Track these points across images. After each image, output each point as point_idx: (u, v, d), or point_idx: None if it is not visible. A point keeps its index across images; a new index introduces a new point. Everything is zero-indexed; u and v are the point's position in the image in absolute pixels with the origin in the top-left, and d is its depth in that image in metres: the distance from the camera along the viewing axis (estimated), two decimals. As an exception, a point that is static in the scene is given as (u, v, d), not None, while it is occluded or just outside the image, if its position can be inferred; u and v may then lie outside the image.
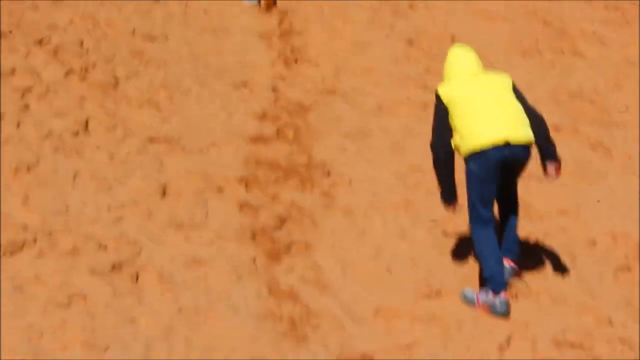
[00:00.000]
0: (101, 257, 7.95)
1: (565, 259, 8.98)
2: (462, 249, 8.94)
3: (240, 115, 11.13)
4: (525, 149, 7.98)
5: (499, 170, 7.92)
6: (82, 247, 8.03)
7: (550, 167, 8.21)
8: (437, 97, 8.17)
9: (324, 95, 11.95)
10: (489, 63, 13.05)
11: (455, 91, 8.08)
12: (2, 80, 10.67)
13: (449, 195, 8.33)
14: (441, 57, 13.25)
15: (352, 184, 9.94)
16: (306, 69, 12.62)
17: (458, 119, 7.97)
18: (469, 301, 8.12)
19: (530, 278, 8.57)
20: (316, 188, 9.75)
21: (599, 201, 10.17)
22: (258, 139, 10.62)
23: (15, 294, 7.26)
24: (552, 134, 8.49)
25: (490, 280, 8.00)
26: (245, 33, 13.39)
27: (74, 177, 9.19)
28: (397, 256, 8.74)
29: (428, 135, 8.52)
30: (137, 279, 7.77)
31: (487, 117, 7.87)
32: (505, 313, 7.93)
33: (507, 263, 8.19)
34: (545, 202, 10.01)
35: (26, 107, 10.34)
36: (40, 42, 11.82)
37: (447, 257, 8.84)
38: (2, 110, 10.05)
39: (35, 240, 8.01)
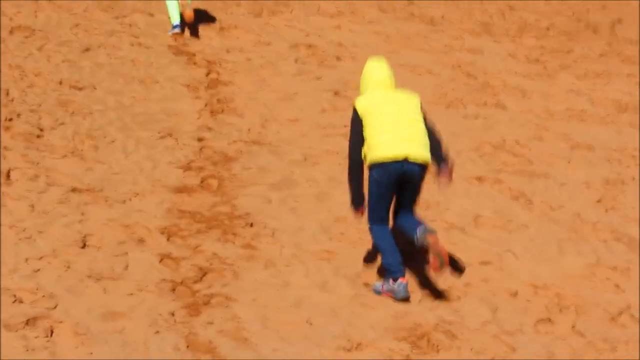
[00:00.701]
0: (16, 310, 7.58)
1: (486, 310, 8.73)
2: (383, 302, 8.67)
3: (164, 165, 10.85)
4: (421, 167, 8.51)
5: (396, 181, 8.52)
6: (-3, 300, 7.66)
7: (443, 170, 8.76)
8: (354, 110, 8.63)
9: (250, 145, 11.70)
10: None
11: (368, 104, 8.57)
12: None
13: (357, 201, 8.81)
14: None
15: (275, 235, 9.66)
16: (232, 119, 12.37)
17: (368, 130, 8.48)
18: (377, 292, 8.76)
19: (452, 329, 8.31)
20: (239, 239, 9.45)
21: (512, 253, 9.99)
22: (182, 189, 10.34)
23: None
24: (475, 185, 10.10)
25: (389, 270, 8.67)
26: (172, 83, 13.17)
27: (-7, 227, 8.82)
28: (318, 308, 8.44)
29: None
30: (51, 333, 7.40)
31: (393, 132, 8.40)
32: (405, 295, 8.61)
33: (420, 226, 8.60)
34: (467, 253, 9.80)
35: (-53, 156, 9.98)
36: (-34, 91, 11.50)
37: (369, 310, 8.54)
38: None
39: (-53, 294, 7.62)
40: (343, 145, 11.71)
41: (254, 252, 9.27)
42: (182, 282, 8.50)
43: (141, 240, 9.11)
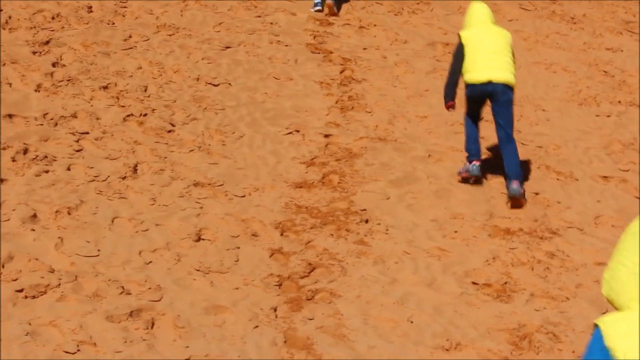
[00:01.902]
0: (121, 302, 7.50)
1: (595, 312, 8.24)
2: (489, 302, 8.28)
3: (288, 160, 10.65)
4: (503, 86, 10.25)
5: (482, 98, 10.54)
6: (105, 291, 7.59)
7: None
8: (459, 38, 10.54)
9: (375, 141, 11.40)
10: (544, 112, 12.46)
11: (469, 36, 10.43)
12: (60, 123, 10.38)
13: (449, 96, 10.63)
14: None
15: (388, 231, 9.36)
16: (361, 115, 12.09)
17: (467, 56, 10.38)
18: (458, 174, 10.73)
19: (556, 331, 7.86)
20: (352, 235, 9.19)
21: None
22: (302, 185, 10.13)
23: (27, 339, 6.83)
24: (600, 183, 11.01)
25: (469, 153, 10.59)
26: (306, 80, 12.96)
27: (113, 220, 8.77)
28: (421, 306, 8.12)
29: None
30: (152, 325, 7.28)
31: (483, 61, 10.27)
32: (477, 173, 10.51)
33: (514, 184, 10.14)
34: (583, 253, 9.32)
35: (80, 150, 9.99)
36: (105, 87, 11.53)
37: (473, 309, 8.16)
38: (55, 153, 9.73)
39: (59, 284, 7.58)
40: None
41: (365, 248, 8.99)
42: (289, 277, 8.30)
43: (255, 235, 8.93)
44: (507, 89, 10.29)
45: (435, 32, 15.51)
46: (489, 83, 10.24)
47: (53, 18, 13.24)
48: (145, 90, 11.75)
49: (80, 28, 13.16)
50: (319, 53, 13.88)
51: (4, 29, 12.53)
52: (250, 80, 12.66)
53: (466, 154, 10.65)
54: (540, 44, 15.67)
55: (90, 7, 13.91)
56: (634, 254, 3.56)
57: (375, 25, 15.43)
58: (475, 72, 10.32)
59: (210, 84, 12.33)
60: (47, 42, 12.41)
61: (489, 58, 10.30)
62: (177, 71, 12.47)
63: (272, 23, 14.83)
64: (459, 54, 10.52)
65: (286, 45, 14.08)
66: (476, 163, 10.45)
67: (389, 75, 13.59)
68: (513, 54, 10.62)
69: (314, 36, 14.66)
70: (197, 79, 12.39)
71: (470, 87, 10.43)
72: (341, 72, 13.44)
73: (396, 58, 14.25)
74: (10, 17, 12.88)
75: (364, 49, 14.46)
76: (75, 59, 12.09)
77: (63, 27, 13.04)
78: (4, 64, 11.47)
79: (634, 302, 3.55)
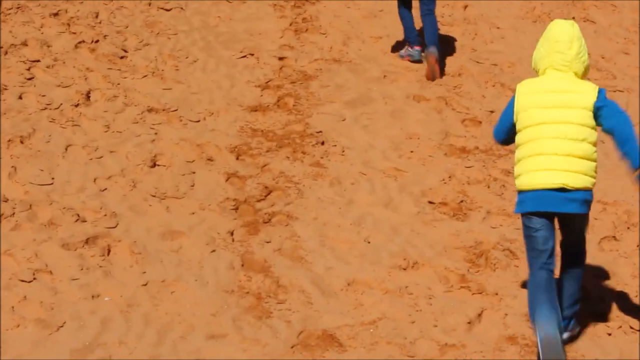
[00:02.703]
0: (77, 229, 7.44)
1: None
2: (445, 221, 8.28)
3: (243, 84, 10.54)
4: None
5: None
6: (60, 219, 7.53)
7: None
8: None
9: (330, 63, 11.29)
10: (498, 30, 12.37)
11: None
12: (10, 51, 10.19)
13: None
14: (454, 24, 12.65)
15: (344, 153, 9.31)
16: (315, 37, 11.95)
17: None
18: (401, 57, 11.50)
19: (512, 248, 7.88)
20: (308, 157, 9.13)
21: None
22: (257, 108, 10.03)
23: (-18, 269, 6.74)
24: None
25: (409, 41, 11.38)
26: (259, 2, 12.75)
27: (66, 148, 8.66)
28: (378, 226, 8.10)
29: (431, 103, 10.38)
30: (108, 252, 7.22)
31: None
32: (418, 57, 11.35)
33: (431, 47, 11.13)
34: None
35: (31, 78, 9.82)
36: (56, 14, 11.31)
37: (430, 228, 8.16)
38: (6, 82, 9.55)
39: (13, 214, 7.49)
40: (423, 63, 11.31)
41: (322, 170, 8.94)
42: (245, 201, 8.25)
43: (210, 159, 8.85)
44: None
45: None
46: None
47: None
48: (97, 17, 11.53)
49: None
50: None
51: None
52: (203, 4, 12.45)
53: (407, 41, 11.49)
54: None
55: None
56: (542, 44, 6.57)
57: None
58: None
59: (162, 8, 12.12)
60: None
61: None
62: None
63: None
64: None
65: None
66: (417, 48, 11.40)
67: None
68: None
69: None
70: (149, 4, 12.16)
71: None
72: (294, -5, 13.25)
73: (350, -22, 14.07)
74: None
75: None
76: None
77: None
78: None
79: (542, 71, 6.56)
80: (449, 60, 11.69)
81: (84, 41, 10.80)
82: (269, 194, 8.42)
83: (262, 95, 10.33)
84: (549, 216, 6.37)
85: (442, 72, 11.24)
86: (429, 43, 11.14)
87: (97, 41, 10.87)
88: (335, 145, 9.42)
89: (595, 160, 6.41)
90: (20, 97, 9.42)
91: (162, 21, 11.75)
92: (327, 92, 10.59)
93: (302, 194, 8.48)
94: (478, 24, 12.87)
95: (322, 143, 9.44)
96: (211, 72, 10.70)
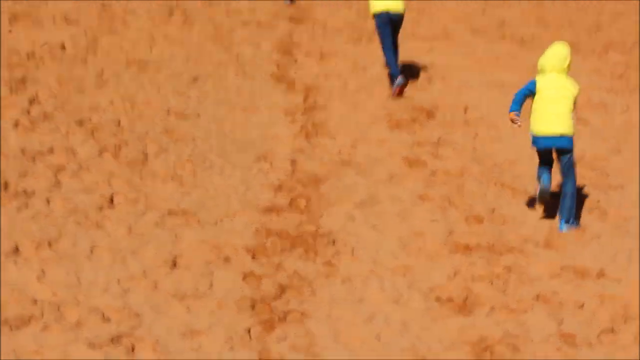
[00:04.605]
0: (103, 329, 7.48)
1: (552, 322, 8.30)
2: (453, 316, 8.33)
3: (257, 187, 10.69)
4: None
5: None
6: (86, 319, 7.58)
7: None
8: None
9: (339, 165, 11.46)
10: (498, 131, 12.55)
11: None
12: (38, 158, 10.38)
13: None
14: (455, 126, 12.86)
15: (355, 252, 9.40)
16: (325, 141, 12.16)
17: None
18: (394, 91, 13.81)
19: (516, 342, 7.91)
20: (320, 256, 9.22)
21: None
22: (271, 210, 10.15)
23: (12, 369, 6.80)
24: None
25: (393, 73, 13.73)
26: (272, 109, 13.03)
27: (91, 250, 8.76)
28: (389, 322, 8.15)
29: (436, 202, 10.50)
30: (132, 350, 7.27)
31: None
32: (403, 82, 13.81)
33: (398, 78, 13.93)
34: (539, 266, 9.39)
35: (58, 184, 9.98)
36: (80, 122, 11.54)
37: (438, 323, 8.21)
38: (34, 188, 9.72)
39: (42, 314, 7.57)
40: (430, 162, 11.49)
41: (333, 269, 9.02)
42: (261, 299, 8.30)
43: (227, 260, 8.94)
44: (402, 16, 13.86)
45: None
46: (388, 12, 13.70)
47: (28, 57, 13.23)
48: (119, 124, 11.76)
49: (55, 66, 13.16)
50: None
51: (-19, 69, 12.52)
52: (219, 111, 12.71)
53: (391, 75, 13.93)
54: (492, 66, 15.80)
55: (63, 45, 13.91)
56: (547, 55, 10.30)
57: (336, 54, 15.52)
58: (377, 4, 13.67)
59: (180, 116, 12.35)
60: (23, 81, 12.40)
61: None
62: (148, 105, 12.49)
63: (237, 55, 14.89)
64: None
65: (252, 77, 14.16)
66: (401, 76, 13.82)
67: (350, 102, 13.68)
68: None
69: (278, 66, 14.73)
70: (168, 112, 12.42)
71: (377, 16, 13.81)
72: (305, 100, 13.52)
73: (356, 85, 14.34)
74: (-14, 58, 12.88)
75: (326, 77, 14.54)
76: (50, 96, 12.10)
77: (38, 66, 13.04)
78: (-18, 103, 11.46)
79: (547, 70, 10.18)
80: (452, 161, 11.87)
81: (107, 148, 10.97)
82: (283, 292, 8.48)
83: (275, 197, 10.47)
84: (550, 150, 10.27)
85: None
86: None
87: (119, 147, 11.05)
88: (345, 245, 9.52)
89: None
90: (47, 202, 9.56)
91: (180, 128, 11.96)
92: (337, 193, 10.73)
93: (315, 292, 8.54)
94: (479, 125, 13.07)
95: (333, 242, 9.54)
96: (227, 176, 10.86)
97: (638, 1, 19.39)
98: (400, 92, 13.97)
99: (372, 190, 10.88)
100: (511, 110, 10.29)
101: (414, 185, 11.11)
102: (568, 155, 10.22)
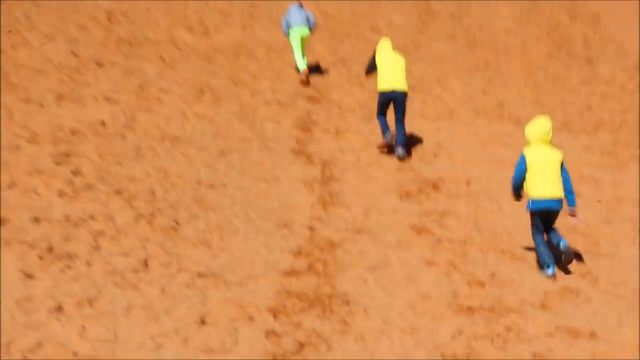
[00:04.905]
0: (137, 382, 7.50)
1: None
2: (455, 371, 8.34)
3: (278, 251, 10.73)
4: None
5: (390, 101, 13.63)
6: (123, 373, 7.60)
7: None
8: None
9: (353, 232, 11.51)
10: (498, 203, 12.59)
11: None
12: (80, 224, 10.46)
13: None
14: (458, 197, 12.91)
15: (367, 312, 9.41)
16: (340, 210, 12.22)
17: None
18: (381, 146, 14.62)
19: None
20: (335, 316, 9.23)
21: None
22: (291, 273, 10.19)
23: (55, 417, 6.81)
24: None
25: (384, 135, 14.45)
26: (292, 181, 13.11)
27: (128, 309, 8.80)
28: (398, 378, 8.15)
29: (441, 267, 10.51)
30: (164, 401, 7.29)
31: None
32: (391, 142, 14.57)
33: (399, 148, 14.51)
34: (535, 325, 9.38)
35: (98, 248, 10.06)
36: (119, 191, 11.64)
37: (443, 378, 8.21)
38: (76, 251, 9.80)
39: (82, 368, 7.60)
40: (436, 230, 11.53)
41: (348, 327, 9.03)
42: (282, 355, 8.31)
43: (251, 318, 8.96)
44: (405, 94, 14.41)
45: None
46: (393, 91, 14.27)
47: (72, 133, 13.38)
48: (153, 194, 11.85)
49: (96, 140, 13.30)
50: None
51: (30, 143, 12.65)
52: (244, 182, 12.80)
53: (383, 135, 14.52)
54: (491, 143, 15.88)
55: (104, 122, 14.07)
56: (532, 127, 10.85)
57: (349, 131, 15.64)
58: (384, 83, 14.26)
59: (209, 186, 12.45)
60: (68, 154, 12.54)
61: (390, 71, 14.16)
62: (180, 176, 12.60)
63: (261, 132, 15.02)
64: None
65: (273, 151, 14.26)
66: (389, 135, 14.50)
67: (362, 174, 13.76)
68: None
69: (297, 141, 14.85)
70: (198, 182, 12.51)
71: (382, 94, 14.30)
72: (322, 173, 13.60)
73: (368, 159, 14.43)
74: (36, 133, 13.02)
75: (341, 151, 14.65)
76: (92, 168, 12.21)
77: (81, 141, 13.18)
78: (31, 174, 11.57)
79: (534, 142, 10.75)
80: (456, 229, 11.91)
81: (142, 215, 11.06)
82: (302, 348, 8.49)
83: (295, 261, 10.51)
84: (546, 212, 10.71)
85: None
86: (398, 143, 14.52)
87: (154, 215, 11.13)
88: (358, 305, 9.53)
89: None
90: (88, 264, 9.62)
91: (209, 197, 12.05)
92: (351, 258, 10.77)
93: (331, 348, 8.55)
94: (480, 197, 13.12)
95: (348, 303, 9.56)
96: (251, 241, 10.91)
97: (625, 84, 19.53)
98: (385, 146, 14.78)
99: (383, 255, 10.92)
100: (515, 195, 11.10)
101: (421, 251, 11.14)
102: (555, 217, 10.84)
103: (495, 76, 19.24)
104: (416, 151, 14.97)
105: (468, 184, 13.62)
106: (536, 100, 18.18)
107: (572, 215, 10.91)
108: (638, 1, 25.95)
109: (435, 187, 13.61)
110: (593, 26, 23.77)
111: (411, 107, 16.95)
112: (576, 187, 13.70)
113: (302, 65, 17.76)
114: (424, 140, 15.54)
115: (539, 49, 21.39)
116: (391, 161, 14.37)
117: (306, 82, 17.43)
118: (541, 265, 10.74)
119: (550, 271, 10.63)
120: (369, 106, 16.87)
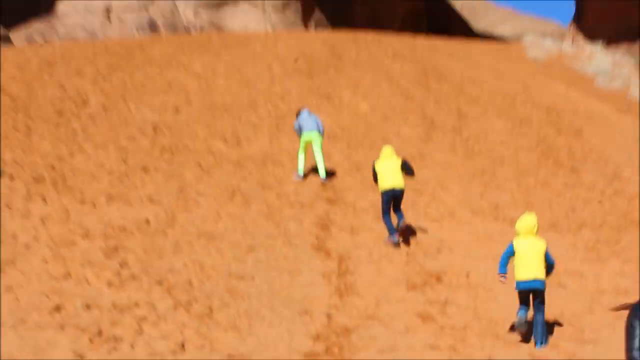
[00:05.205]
0: None
1: None
2: None
3: (299, 336, 10.78)
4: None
5: (391, 198, 14.31)
6: None
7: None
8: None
9: (365, 320, 11.54)
10: (493, 292, 12.59)
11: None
12: (125, 311, 10.55)
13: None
14: (459, 289, 12.93)
15: (378, 391, 9.39)
16: (354, 300, 12.26)
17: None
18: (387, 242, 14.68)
19: None
20: (349, 394, 9.21)
21: None
22: (311, 355, 10.22)
23: None
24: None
25: (390, 233, 14.43)
26: (312, 273, 13.18)
27: (167, 386, 8.83)
28: None
29: (444, 352, 10.44)
30: None
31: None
32: (396, 241, 14.61)
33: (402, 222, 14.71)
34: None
35: (140, 332, 10.13)
36: (160, 282, 11.75)
37: None
38: (122, 335, 9.86)
39: None
40: (439, 318, 11.53)
41: (360, 404, 9.00)
42: None
43: (275, 396, 8.96)
44: (402, 190, 14.84)
45: (406, 233, 15.81)
46: (393, 189, 14.68)
47: (120, 230, 13.56)
48: (190, 284, 11.95)
49: (141, 237, 13.46)
50: None
51: (83, 238, 12.83)
52: (270, 274, 12.88)
53: (389, 236, 14.64)
54: (488, 241, 15.92)
55: (148, 221, 14.26)
56: (520, 224, 11.40)
57: (363, 229, 15.74)
58: (384, 183, 14.72)
59: (239, 277, 12.54)
60: (116, 248, 12.70)
61: (389, 173, 14.75)
62: (214, 268, 12.70)
63: (285, 229, 15.15)
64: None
65: (296, 246, 14.36)
66: (396, 236, 14.62)
67: (374, 268, 13.82)
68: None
69: (317, 238, 14.96)
70: (229, 274, 12.61)
71: (384, 193, 14.73)
72: (338, 266, 13.67)
73: (379, 254, 14.50)
74: (89, 230, 13.21)
75: (356, 247, 14.73)
76: (137, 261, 12.35)
77: (128, 237, 13.35)
78: (83, 266, 11.72)
79: (522, 234, 11.24)
80: (457, 317, 11.91)
81: (180, 303, 11.14)
82: (320, 423, 8.48)
83: (314, 345, 10.54)
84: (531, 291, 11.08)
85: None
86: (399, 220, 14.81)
87: (190, 303, 11.22)
88: (370, 385, 9.53)
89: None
90: (132, 347, 9.69)
91: (239, 287, 12.13)
92: (364, 342, 10.79)
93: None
94: (477, 290, 13.14)
95: (361, 383, 9.56)
96: (276, 327, 10.96)
97: (606, 188, 19.64)
98: (392, 243, 14.80)
99: (392, 340, 10.93)
100: (499, 272, 11.36)
101: (425, 336, 11.15)
102: (541, 294, 11.14)
103: (490, 181, 19.38)
104: (421, 247, 15.02)
105: (467, 276, 13.64)
106: (527, 202, 18.25)
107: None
108: (616, 117, 26.25)
109: (439, 279, 13.62)
110: (576, 138, 24.00)
111: (416, 208, 17.09)
112: (562, 279, 13.75)
113: (301, 169, 18.06)
114: (428, 238, 15.61)
115: (529, 158, 21.57)
116: (400, 256, 14.43)
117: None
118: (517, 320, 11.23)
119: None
120: (380, 207, 17.02)
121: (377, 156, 16.03)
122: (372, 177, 15.43)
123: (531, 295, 11.20)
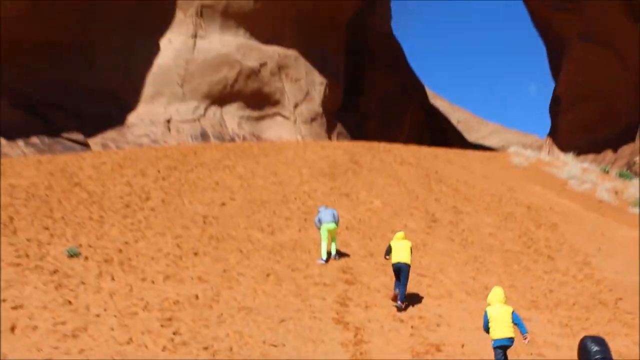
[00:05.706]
0: None
1: None
2: None
3: (321, 396, 10.60)
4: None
5: (399, 270, 14.82)
6: None
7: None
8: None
9: (377, 382, 11.39)
10: (480, 357, 12.39)
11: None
12: (177, 372, 10.49)
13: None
14: (455, 357, 12.76)
15: None
16: (366, 347, 12.11)
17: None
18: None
19: None
20: None
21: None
22: (331, 412, 10.03)
23: None
24: None
25: (398, 296, 14.68)
26: (332, 342, 13.07)
27: None
28: None
29: None
30: None
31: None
32: (400, 305, 14.94)
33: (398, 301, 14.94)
34: None
35: (189, 389, 10.05)
36: (206, 348, 11.70)
37: None
38: (174, 392, 9.79)
39: None
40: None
41: None
42: None
43: None
44: (409, 265, 15.37)
45: (411, 309, 15.67)
46: (399, 263, 15.22)
47: (174, 303, 13.58)
48: (231, 350, 11.90)
49: (190, 310, 13.46)
50: None
51: (143, 310, 12.85)
52: (297, 342, 12.79)
53: (394, 291, 15.27)
54: (481, 317, 15.74)
55: (197, 296, 14.27)
56: (492, 294, 12.06)
57: (375, 305, 15.64)
58: (394, 258, 15.33)
59: (272, 345, 12.46)
60: (170, 319, 12.70)
61: (399, 250, 15.40)
62: (251, 337, 12.64)
63: (310, 305, 15.10)
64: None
65: (320, 319, 14.28)
66: (399, 302, 14.93)
67: (385, 338, 13.68)
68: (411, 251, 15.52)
69: (337, 313, 14.88)
70: (264, 342, 12.54)
71: (394, 265, 15.23)
72: (355, 336, 13.56)
73: (389, 327, 14.38)
74: (148, 303, 13.23)
75: (369, 320, 14.62)
76: (187, 330, 12.33)
77: (180, 309, 13.35)
78: (143, 333, 11.71)
79: (493, 303, 11.93)
80: (453, 382, 11.72)
81: (223, 366, 11.05)
82: None
83: (333, 403, 10.38)
84: (504, 347, 11.63)
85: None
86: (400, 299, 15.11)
87: (231, 366, 11.12)
88: None
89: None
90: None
91: (272, 353, 12.11)
92: (375, 402, 10.61)
93: None
94: (471, 357, 12.94)
95: None
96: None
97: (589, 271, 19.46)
98: (394, 298, 15.46)
99: (399, 401, 10.75)
100: (485, 330, 12.06)
101: (427, 398, 10.95)
102: (509, 347, 11.88)
103: (481, 267, 19.30)
104: (424, 321, 14.89)
105: (463, 347, 13.48)
106: (512, 284, 18.12)
107: (525, 338, 11.88)
108: (587, 215, 26.14)
109: (438, 349, 13.47)
110: (552, 231, 23.92)
111: (420, 288, 17.00)
112: (541, 350, 13.54)
113: (324, 255, 18.09)
114: (430, 313, 15.49)
115: (514, 248, 21.50)
116: (406, 329, 14.30)
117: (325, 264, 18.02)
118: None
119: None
120: (391, 287, 16.95)
121: (387, 245, 16.13)
122: (384, 253, 16.04)
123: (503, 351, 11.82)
